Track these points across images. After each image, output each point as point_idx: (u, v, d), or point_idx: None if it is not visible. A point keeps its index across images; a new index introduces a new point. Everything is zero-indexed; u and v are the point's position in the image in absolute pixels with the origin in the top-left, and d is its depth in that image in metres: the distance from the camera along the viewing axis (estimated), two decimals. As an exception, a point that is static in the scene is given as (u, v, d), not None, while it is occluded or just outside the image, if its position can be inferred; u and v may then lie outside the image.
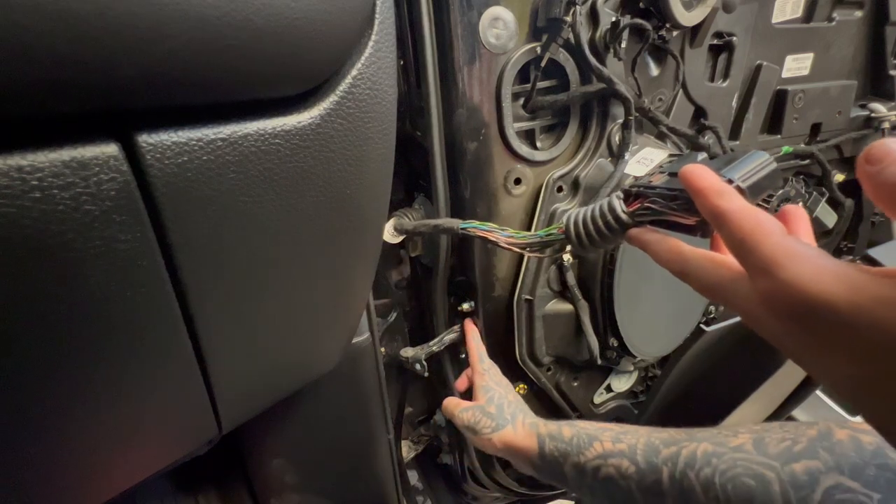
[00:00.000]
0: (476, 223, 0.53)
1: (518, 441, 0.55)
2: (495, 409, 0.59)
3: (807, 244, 0.25)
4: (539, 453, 0.53)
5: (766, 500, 0.37)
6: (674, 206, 0.33)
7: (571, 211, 0.41)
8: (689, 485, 0.41)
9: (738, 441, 0.42)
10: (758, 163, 0.31)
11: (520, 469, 0.57)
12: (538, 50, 0.56)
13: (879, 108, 0.85)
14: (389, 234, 0.63)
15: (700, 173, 0.30)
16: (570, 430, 0.52)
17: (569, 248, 0.43)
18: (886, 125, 0.85)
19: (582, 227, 0.40)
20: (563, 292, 0.68)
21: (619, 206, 0.37)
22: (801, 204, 0.85)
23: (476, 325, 0.69)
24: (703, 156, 0.35)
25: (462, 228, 0.54)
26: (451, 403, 0.64)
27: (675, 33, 0.62)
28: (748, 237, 0.26)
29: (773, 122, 0.79)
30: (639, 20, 0.57)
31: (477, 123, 0.57)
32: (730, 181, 0.30)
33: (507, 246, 0.49)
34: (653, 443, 0.46)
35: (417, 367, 0.68)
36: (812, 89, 0.77)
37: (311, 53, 0.28)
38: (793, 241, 0.25)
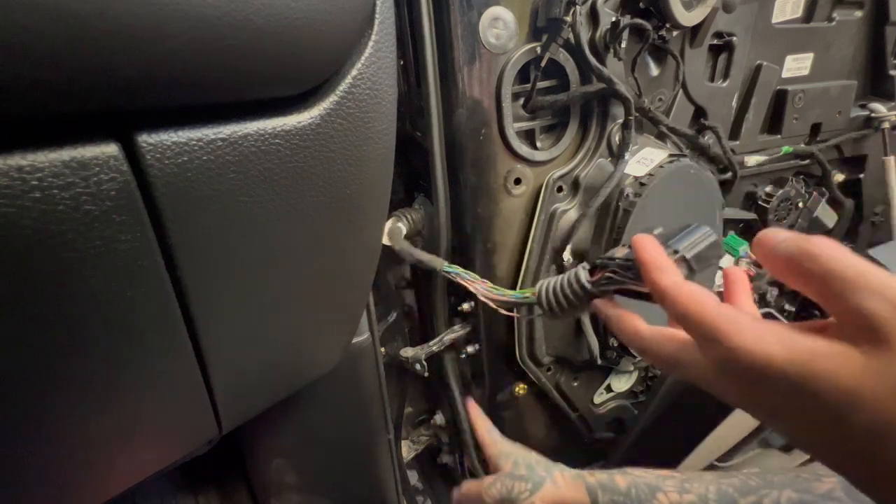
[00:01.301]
0: (460, 270, 0.55)
1: (565, 496, 0.49)
2: (525, 469, 0.52)
3: (742, 312, 0.27)
4: None
5: None
6: (629, 276, 0.36)
7: (545, 279, 0.43)
8: None
9: (826, 486, 0.39)
10: (700, 234, 0.35)
11: None
12: (538, 50, 0.56)
13: (879, 108, 0.85)
14: (387, 237, 0.63)
15: (643, 245, 0.33)
16: (624, 480, 0.47)
17: (539, 312, 0.45)
18: (886, 125, 0.85)
19: (552, 295, 0.42)
20: (563, 292, 0.68)
21: (584, 276, 0.40)
22: (801, 204, 0.85)
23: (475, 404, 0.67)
24: (659, 229, 0.37)
25: (445, 271, 0.55)
26: (473, 484, 0.56)
27: (675, 33, 0.62)
28: (689, 311, 0.28)
29: (773, 122, 0.79)
30: (639, 20, 0.57)
31: (477, 123, 0.57)
32: (675, 251, 0.34)
33: (483, 299, 0.51)
34: (726, 492, 0.43)
35: (417, 367, 0.68)
36: (812, 89, 0.77)
37: (311, 53, 0.28)
38: (730, 310, 0.27)
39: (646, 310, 0.35)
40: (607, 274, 0.38)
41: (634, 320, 0.34)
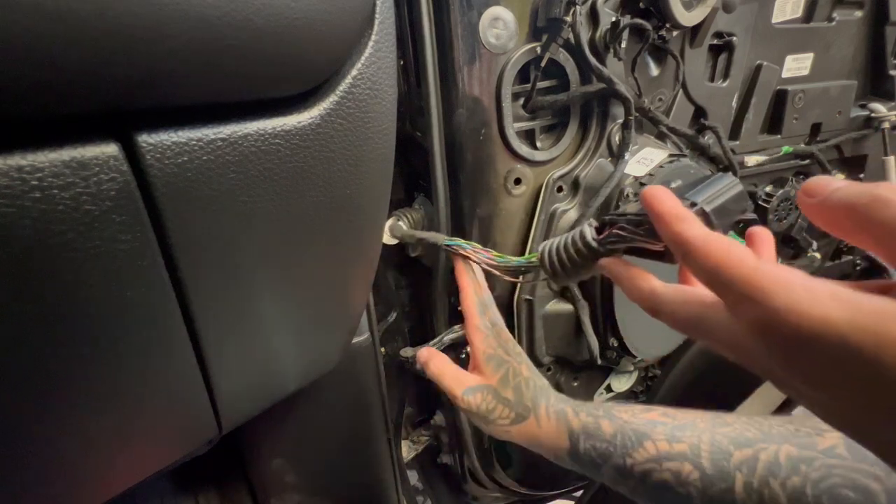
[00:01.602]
0: (461, 241, 0.52)
1: (543, 436, 0.46)
2: (512, 392, 0.48)
3: (787, 267, 0.23)
4: (571, 451, 0.45)
5: None
6: (640, 232, 0.32)
7: (548, 240, 0.41)
8: (771, 496, 0.36)
9: (828, 442, 0.36)
10: (723, 185, 0.31)
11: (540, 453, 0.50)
12: (538, 50, 0.56)
13: (879, 108, 0.85)
14: (388, 236, 0.63)
15: (659, 196, 0.29)
16: (610, 426, 0.44)
17: (544, 276, 0.42)
18: (886, 125, 0.85)
19: (555, 256, 0.39)
20: (563, 292, 0.68)
21: (590, 233, 0.37)
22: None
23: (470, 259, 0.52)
24: (677, 183, 0.34)
25: (446, 245, 0.53)
26: (452, 379, 0.50)
27: (675, 33, 0.62)
28: (722, 266, 0.24)
29: (773, 122, 0.79)
30: (639, 20, 0.57)
31: (477, 123, 0.57)
32: (693, 204, 0.30)
33: (486, 268, 0.48)
34: (720, 442, 0.40)
35: (418, 367, 0.68)
36: (812, 89, 0.77)
37: (310, 53, 0.28)
38: (774, 265, 0.23)
39: (656, 272, 0.32)
40: (615, 231, 0.34)
41: (649, 279, 0.31)
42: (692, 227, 0.27)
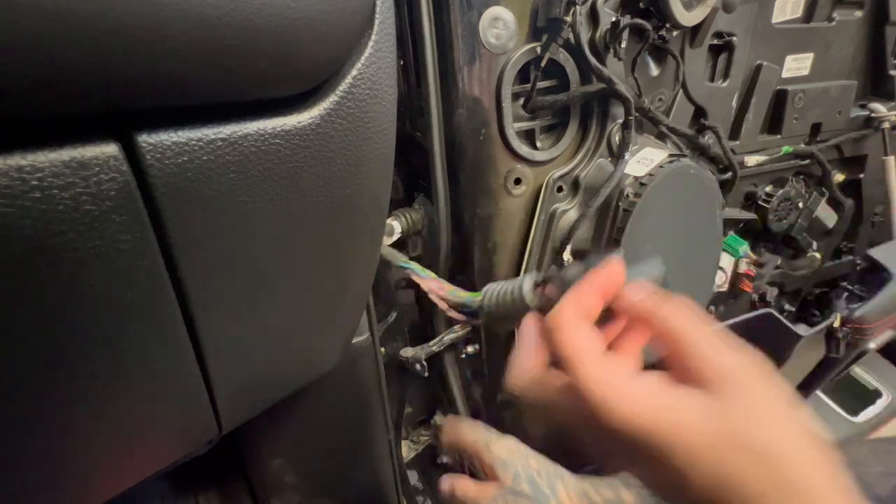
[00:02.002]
0: (415, 266, 0.53)
1: None
2: (527, 485, 0.49)
3: (616, 370, 0.30)
4: None
5: None
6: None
7: (494, 283, 0.41)
8: None
9: None
10: (647, 268, 0.35)
11: None
12: (538, 50, 0.56)
13: (879, 108, 0.85)
14: (387, 236, 0.63)
15: (559, 315, 0.33)
16: (630, 496, 0.46)
17: (484, 318, 0.43)
18: (886, 125, 0.85)
19: (494, 301, 0.40)
20: (563, 292, 0.68)
21: (527, 286, 0.38)
22: (801, 204, 0.85)
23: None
24: (620, 253, 0.36)
25: (401, 266, 0.54)
26: (472, 490, 0.51)
27: (675, 33, 0.62)
28: (568, 359, 0.31)
29: (773, 122, 0.79)
30: (639, 20, 0.57)
31: (477, 123, 0.57)
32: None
33: (434, 299, 0.49)
34: None
35: (417, 367, 0.68)
36: (812, 89, 0.77)
37: (311, 53, 0.28)
38: (603, 368, 0.30)
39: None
40: (545, 291, 0.36)
41: (527, 355, 0.36)
42: (558, 336, 0.33)
